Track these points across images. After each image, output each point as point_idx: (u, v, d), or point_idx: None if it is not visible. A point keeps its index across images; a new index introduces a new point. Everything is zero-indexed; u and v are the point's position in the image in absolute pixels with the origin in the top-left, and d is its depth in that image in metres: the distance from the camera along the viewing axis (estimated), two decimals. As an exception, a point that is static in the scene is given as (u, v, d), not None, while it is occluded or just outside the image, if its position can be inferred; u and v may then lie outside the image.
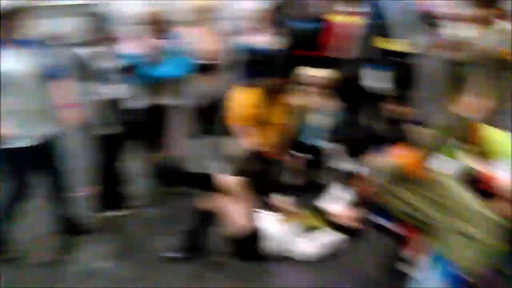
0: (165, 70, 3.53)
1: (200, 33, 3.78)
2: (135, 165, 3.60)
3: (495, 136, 2.55)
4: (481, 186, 2.39)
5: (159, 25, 3.46)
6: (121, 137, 3.31)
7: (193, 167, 4.05)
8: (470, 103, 2.21)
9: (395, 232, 2.48)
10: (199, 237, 2.78)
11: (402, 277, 2.37)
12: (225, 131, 3.49)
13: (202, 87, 3.80)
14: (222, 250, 2.79)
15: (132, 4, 3.72)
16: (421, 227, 2.30)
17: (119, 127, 3.26)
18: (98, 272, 2.68)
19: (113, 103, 3.27)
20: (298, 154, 3.62)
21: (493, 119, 2.94)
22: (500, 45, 3.03)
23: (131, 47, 3.50)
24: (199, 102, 3.85)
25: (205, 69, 3.77)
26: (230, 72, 4.08)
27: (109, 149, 3.27)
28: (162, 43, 3.61)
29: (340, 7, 3.93)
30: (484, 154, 2.47)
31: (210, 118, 4.00)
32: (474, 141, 2.47)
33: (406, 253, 2.46)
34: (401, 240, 2.49)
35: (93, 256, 2.85)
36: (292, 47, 3.96)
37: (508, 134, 2.56)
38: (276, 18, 4.11)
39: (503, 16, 3.41)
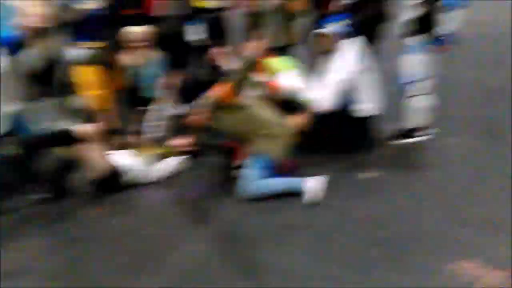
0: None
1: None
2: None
3: (273, 61, 3.58)
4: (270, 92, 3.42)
5: None
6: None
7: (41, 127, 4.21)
8: (257, 44, 3.12)
9: (225, 147, 3.30)
10: (63, 181, 3.17)
11: (235, 180, 3.18)
12: (67, 90, 3.77)
13: (35, 50, 3.94)
14: (86, 190, 3.23)
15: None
16: (241, 139, 3.15)
17: None
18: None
19: None
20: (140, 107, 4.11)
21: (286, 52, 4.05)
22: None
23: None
24: (34, 65, 3.99)
25: (35, 32, 3.91)
26: (61, 33, 4.27)
27: None
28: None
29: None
30: (269, 74, 3.49)
31: (47, 80, 4.18)
32: (262, 69, 3.43)
33: (236, 161, 3.28)
34: (231, 152, 3.31)
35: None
36: (115, 7, 4.32)
37: (279, 58, 3.63)
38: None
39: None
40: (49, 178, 3.16)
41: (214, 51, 3.98)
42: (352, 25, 3.57)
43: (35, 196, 3.12)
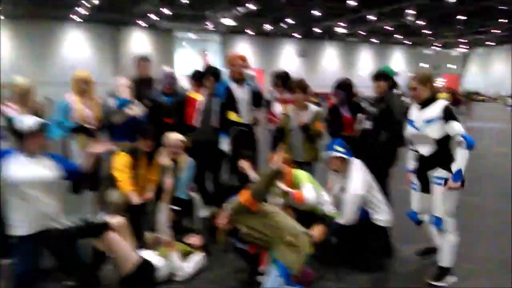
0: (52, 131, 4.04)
1: (82, 100, 4.41)
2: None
3: (298, 173, 3.88)
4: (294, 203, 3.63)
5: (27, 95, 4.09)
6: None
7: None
8: (283, 157, 3.43)
9: (248, 251, 3.44)
10: (94, 271, 3.33)
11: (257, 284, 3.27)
12: (107, 184, 4.09)
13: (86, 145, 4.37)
14: (115, 282, 3.34)
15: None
16: (263, 244, 3.30)
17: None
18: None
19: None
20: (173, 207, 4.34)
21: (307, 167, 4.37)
22: (312, 120, 4.45)
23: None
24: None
25: (86, 131, 4.38)
26: (106, 133, 4.74)
27: None
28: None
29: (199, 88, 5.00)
30: (294, 185, 3.75)
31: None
32: (286, 180, 3.73)
33: (260, 267, 3.39)
34: (254, 257, 3.43)
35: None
36: (157, 116, 4.83)
37: (303, 172, 3.93)
38: (142, 91, 4.98)
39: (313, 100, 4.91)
40: (83, 267, 3.32)
41: (243, 160, 4.33)
42: (359, 148, 3.94)
43: (69, 284, 3.26)
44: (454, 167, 3.28)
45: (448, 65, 47.92)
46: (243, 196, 3.27)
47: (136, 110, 4.68)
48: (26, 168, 3.24)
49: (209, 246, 3.85)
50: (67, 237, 3.32)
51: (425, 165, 3.46)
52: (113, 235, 3.28)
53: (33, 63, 29.47)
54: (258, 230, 3.24)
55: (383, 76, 4.21)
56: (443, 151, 3.37)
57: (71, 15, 30.02)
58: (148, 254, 3.49)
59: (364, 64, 41.62)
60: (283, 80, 4.99)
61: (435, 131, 3.35)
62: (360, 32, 36.12)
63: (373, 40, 41.09)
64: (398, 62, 45.39)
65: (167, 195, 3.89)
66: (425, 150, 3.43)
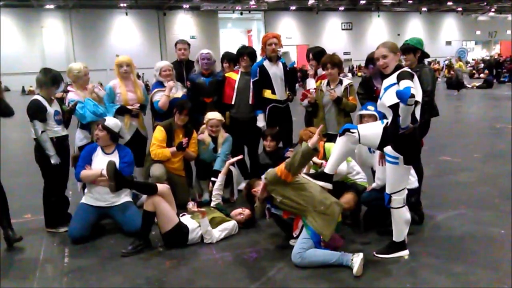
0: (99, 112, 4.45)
1: (124, 83, 4.77)
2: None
3: (330, 147, 3.99)
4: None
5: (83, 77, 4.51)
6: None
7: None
8: (316, 131, 3.52)
9: (282, 217, 3.69)
10: (145, 235, 3.75)
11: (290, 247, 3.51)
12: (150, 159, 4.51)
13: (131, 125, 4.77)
14: (159, 242, 3.81)
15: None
16: (297, 212, 3.53)
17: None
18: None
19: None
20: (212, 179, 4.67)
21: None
22: (346, 94, 4.58)
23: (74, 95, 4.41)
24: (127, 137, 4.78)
25: (129, 112, 4.75)
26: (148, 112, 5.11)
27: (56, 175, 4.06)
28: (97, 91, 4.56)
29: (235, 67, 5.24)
30: (325, 157, 3.92)
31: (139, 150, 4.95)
32: (319, 153, 3.90)
33: (293, 232, 3.63)
34: (287, 223, 3.69)
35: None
36: (196, 95, 5.13)
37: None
38: (181, 73, 5.28)
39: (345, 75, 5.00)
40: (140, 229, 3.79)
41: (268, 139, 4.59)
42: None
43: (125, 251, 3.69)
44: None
45: (507, 32, 44.98)
46: (280, 169, 3.49)
47: (178, 92, 4.99)
48: (94, 160, 4.09)
49: (253, 222, 4.14)
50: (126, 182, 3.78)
51: (385, 135, 3.29)
52: (159, 198, 3.70)
53: (85, 51, 30.89)
54: (292, 199, 3.47)
55: (409, 50, 4.19)
56: (396, 123, 3.12)
57: (119, 3, 31.10)
58: (186, 219, 3.89)
59: (414, 35, 39.81)
60: (317, 55, 5.10)
61: (389, 98, 3.17)
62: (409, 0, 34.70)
63: (423, 8, 39.27)
64: (451, 30, 43.27)
65: (226, 169, 4.43)
66: (389, 119, 3.28)
